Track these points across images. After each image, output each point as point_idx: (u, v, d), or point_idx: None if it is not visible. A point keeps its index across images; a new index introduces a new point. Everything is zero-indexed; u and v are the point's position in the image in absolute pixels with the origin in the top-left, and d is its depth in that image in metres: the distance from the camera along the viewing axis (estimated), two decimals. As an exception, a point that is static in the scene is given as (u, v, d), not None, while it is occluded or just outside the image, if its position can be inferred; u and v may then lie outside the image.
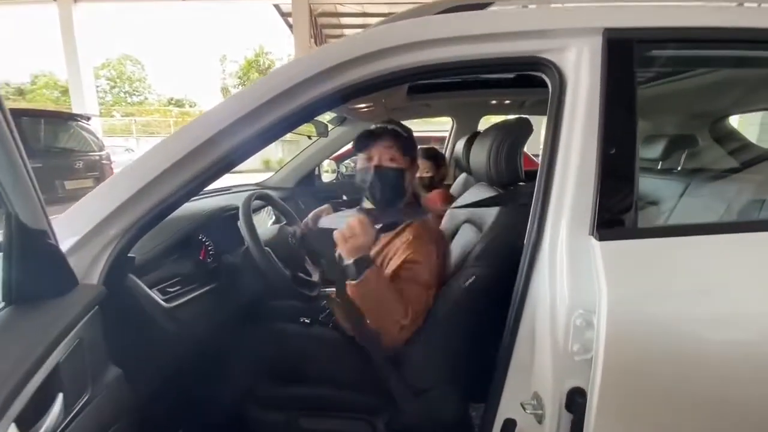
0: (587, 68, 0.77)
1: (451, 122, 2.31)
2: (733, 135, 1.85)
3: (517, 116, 1.10)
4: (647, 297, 0.70)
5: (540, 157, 0.82)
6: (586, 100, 0.77)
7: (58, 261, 0.56)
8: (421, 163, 2.07)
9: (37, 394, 0.45)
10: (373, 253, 1.06)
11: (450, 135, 2.33)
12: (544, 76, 0.84)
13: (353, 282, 0.94)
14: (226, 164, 0.81)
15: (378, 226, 1.05)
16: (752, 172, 1.55)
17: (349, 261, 0.94)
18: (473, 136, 1.90)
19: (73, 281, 0.61)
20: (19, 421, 0.42)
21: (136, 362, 0.73)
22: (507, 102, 2.05)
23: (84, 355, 0.57)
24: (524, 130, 1.04)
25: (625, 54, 0.77)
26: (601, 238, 0.72)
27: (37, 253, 0.52)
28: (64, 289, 0.59)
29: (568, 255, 0.75)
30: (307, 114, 0.82)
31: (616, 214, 0.75)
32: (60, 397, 0.50)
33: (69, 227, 0.75)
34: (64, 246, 0.68)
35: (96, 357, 0.61)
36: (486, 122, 2.34)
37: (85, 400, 0.55)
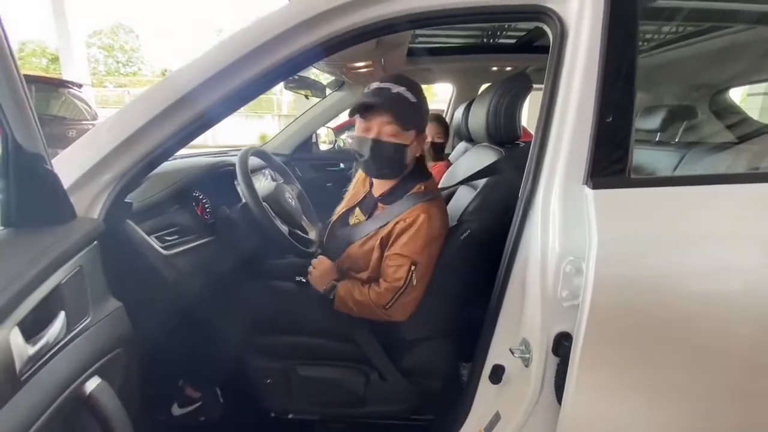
0: (589, 17, 0.76)
1: (452, 90, 2.28)
2: (733, 108, 1.84)
3: (516, 72, 1.08)
4: (637, 243, 0.71)
5: (539, 109, 0.82)
6: (586, 51, 0.76)
7: (55, 187, 0.56)
8: (434, 127, 1.92)
9: (40, 307, 0.47)
10: (373, 229, 1.05)
11: (450, 103, 2.30)
12: (545, 26, 0.83)
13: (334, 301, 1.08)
14: (213, 116, 0.81)
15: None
16: (751, 144, 1.56)
17: (320, 290, 1.10)
18: (472, 102, 1.88)
19: (71, 212, 0.62)
20: (22, 326, 0.43)
21: (135, 301, 0.75)
22: (508, 69, 2.02)
23: (84, 282, 0.58)
24: (523, 85, 1.03)
25: (629, 3, 0.76)
26: (594, 187, 0.73)
27: (34, 177, 0.52)
28: (62, 217, 0.59)
29: (561, 204, 0.76)
30: (295, 65, 0.80)
31: (610, 164, 0.75)
32: (62, 314, 0.51)
33: (63, 170, 0.75)
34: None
35: (96, 286, 0.62)
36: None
37: (86, 322, 0.57)
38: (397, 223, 1.00)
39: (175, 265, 0.96)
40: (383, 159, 0.98)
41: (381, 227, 1.03)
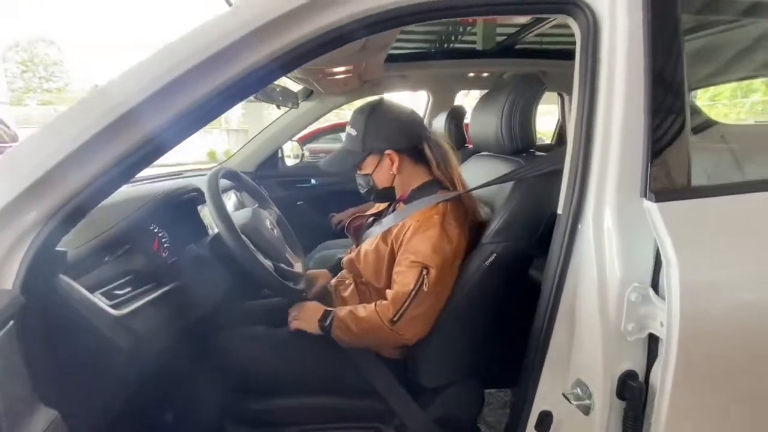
0: (625, 8, 0.67)
1: (426, 98, 2.18)
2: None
3: (527, 73, 0.98)
4: (726, 262, 0.61)
5: (573, 118, 0.72)
6: (626, 47, 0.67)
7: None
8: None
9: None
10: (376, 240, 0.99)
11: (426, 111, 2.20)
12: (571, 20, 0.73)
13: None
14: (165, 139, 0.62)
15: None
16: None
17: (315, 327, 0.96)
18: (455, 110, 1.80)
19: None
20: None
21: (78, 397, 0.53)
22: (485, 75, 1.96)
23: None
24: (537, 87, 0.93)
25: None
26: (657, 200, 0.63)
27: None
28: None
29: (617, 222, 0.65)
30: (251, 84, 0.64)
31: (670, 172, 0.66)
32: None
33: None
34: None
35: (14, 395, 0.41)
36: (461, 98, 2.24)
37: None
38: (407, 221, 0.93)
39: (131, 328, 0.74)
40: (364, 189, 1.06)
41: (395, 224, 0.97)
